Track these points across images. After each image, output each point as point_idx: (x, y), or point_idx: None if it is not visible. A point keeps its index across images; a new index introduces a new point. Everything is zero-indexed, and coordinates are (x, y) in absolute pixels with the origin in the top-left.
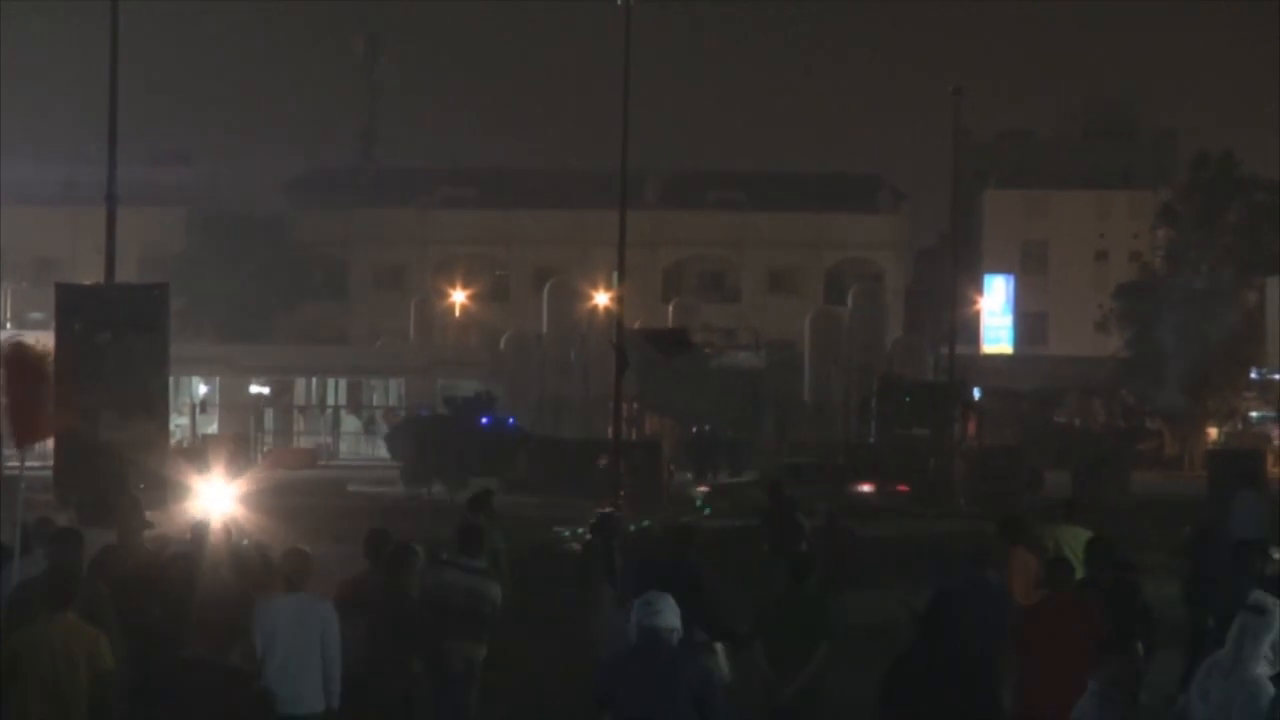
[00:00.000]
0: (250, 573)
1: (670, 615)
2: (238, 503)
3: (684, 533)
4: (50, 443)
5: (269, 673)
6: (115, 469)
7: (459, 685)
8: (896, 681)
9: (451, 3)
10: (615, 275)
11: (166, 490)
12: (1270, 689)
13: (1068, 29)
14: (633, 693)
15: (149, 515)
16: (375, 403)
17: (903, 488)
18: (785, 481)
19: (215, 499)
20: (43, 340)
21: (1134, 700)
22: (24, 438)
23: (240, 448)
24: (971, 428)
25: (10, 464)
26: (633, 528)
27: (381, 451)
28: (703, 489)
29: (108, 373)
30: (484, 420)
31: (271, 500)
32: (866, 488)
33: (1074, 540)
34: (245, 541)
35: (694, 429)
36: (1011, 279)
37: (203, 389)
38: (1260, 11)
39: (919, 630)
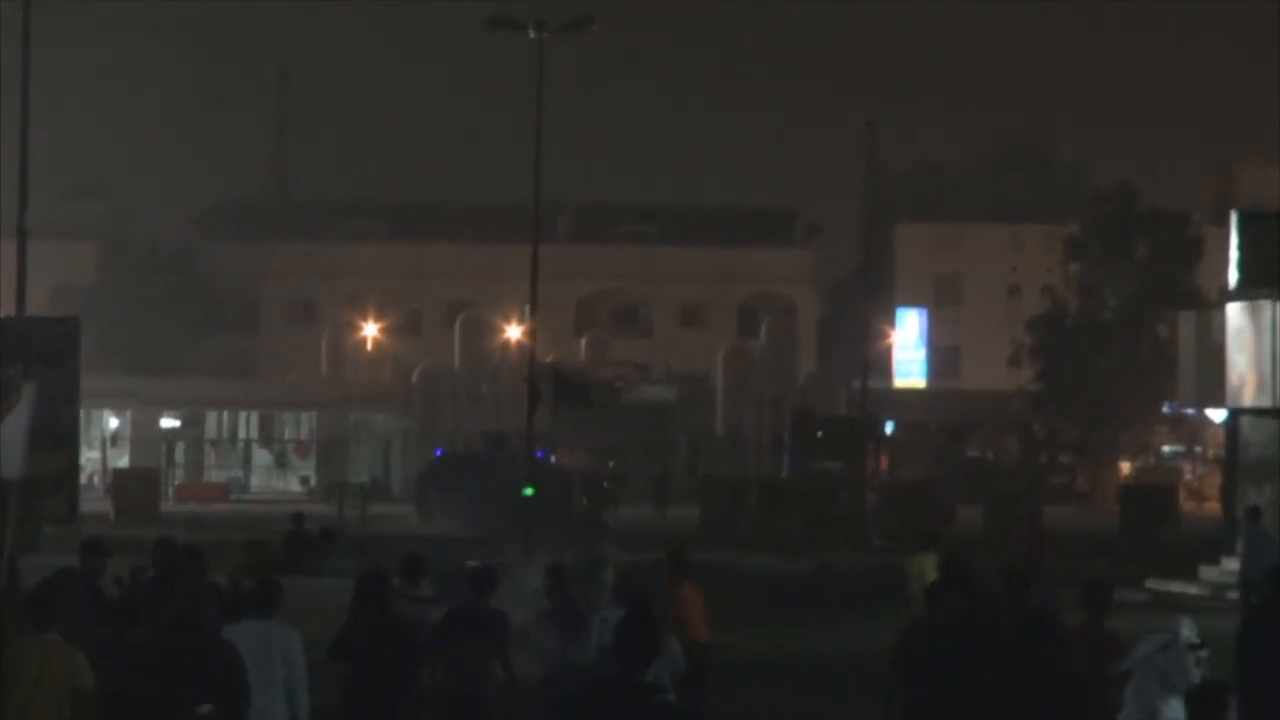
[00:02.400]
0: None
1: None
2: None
3: (482, 577)
4: None
5: None
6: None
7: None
8: (916, 634)
9: (362, 36)
10: (527, 309)
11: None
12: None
13: (979, 64)
14: None
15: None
16: (287, 436)
17: None
18: None
19: None
20: None
21: None
22: None
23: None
24: (884, 462)
25: None
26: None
27: (293, 485)
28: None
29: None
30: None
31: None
32: None
33: (930, 568)
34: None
35: (607, 465)
36: (924, 313)
37: (114, 422)
38: (1171, 46)
39: (940, 584)
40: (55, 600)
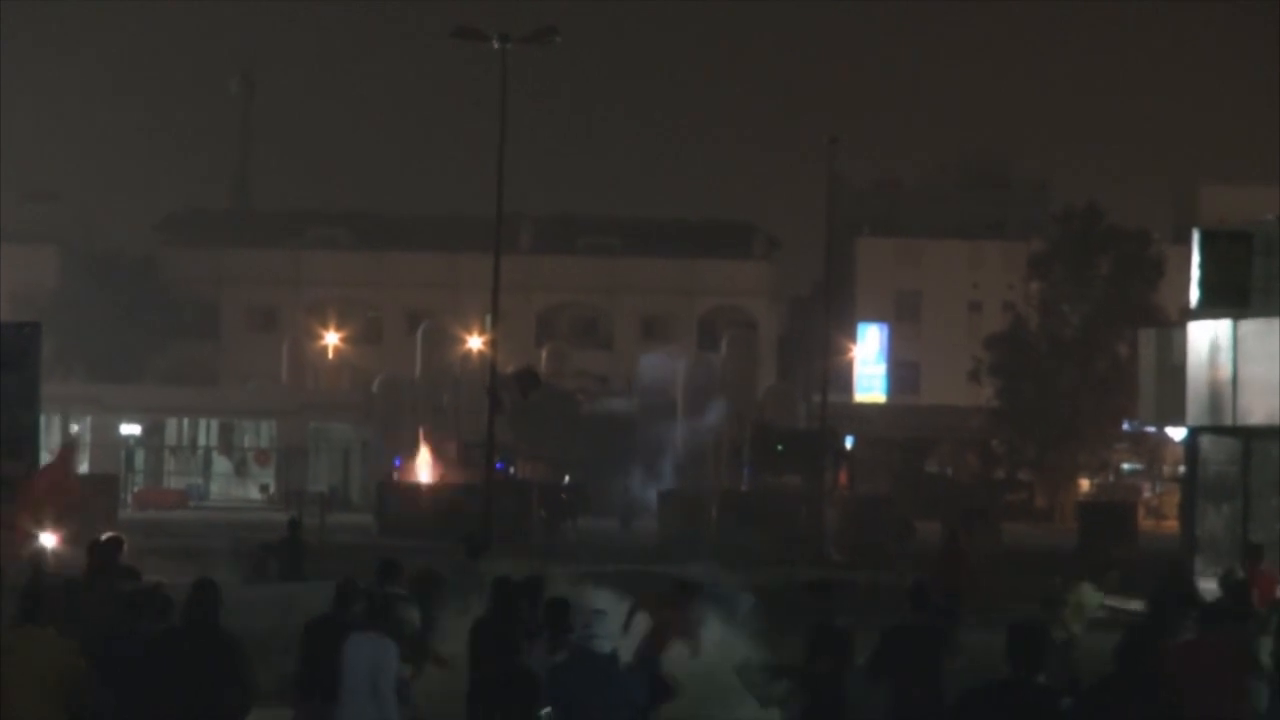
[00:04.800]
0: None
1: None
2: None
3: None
4: None
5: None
6: None
7: None
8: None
9: (326, 44)
10: (488, 319)
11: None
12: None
13: (940, 81)
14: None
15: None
16: (247, 444)
17: None
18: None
19: None
20: None
21: None
22: None
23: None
24: (843, 476)
25: None
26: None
27: (252, 493)
28: None
29: None
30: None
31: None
32: None
33: (1088, 596)
34: None
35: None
36: (885, 328)
37: (74, 428)
38: (1132, 66)
39: (1010, 662)
40: (44, 594)
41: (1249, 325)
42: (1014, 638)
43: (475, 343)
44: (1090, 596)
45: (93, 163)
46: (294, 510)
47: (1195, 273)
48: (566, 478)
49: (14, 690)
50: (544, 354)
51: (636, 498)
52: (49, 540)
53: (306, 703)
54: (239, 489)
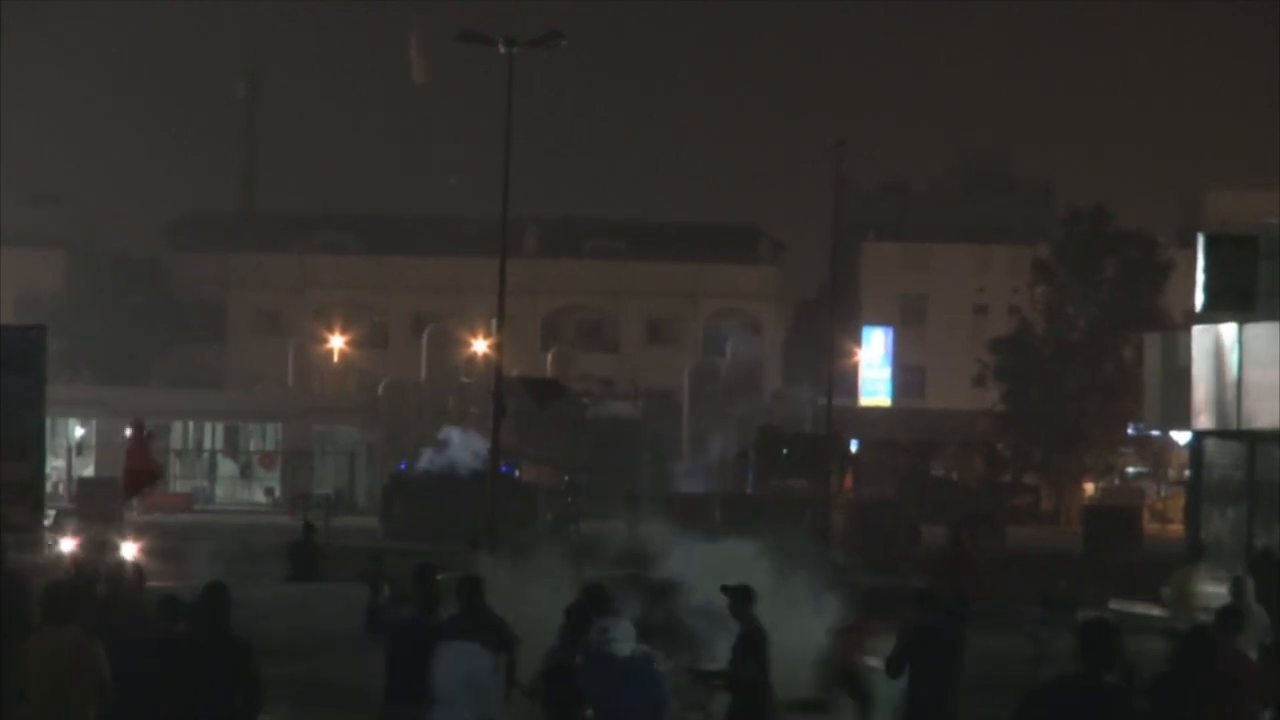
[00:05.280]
0: None
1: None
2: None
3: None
4: None
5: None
6: None
7: None
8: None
9: (331, 47)
10: (494, 323)
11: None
12: None
13: (945, 84)
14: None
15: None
16: (252, 447)
17: None
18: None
19: None
20: None
21: None
22: None
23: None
24: (849, 480)
25: None
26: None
27: (257, 496)
28: None
29: None
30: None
31: None
32: None
33: (1194, 579)
34: None
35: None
36: (890, 331)
37: (79, 431)
38: (1137, 69)
39: (1081, 660)
40: (69, 596)
41: (1254, 329)
42: (1086, 635)
43: (481, 346)
44: (1198, 584)
45: (98, 166)
46: (301, 513)
47: (1200, 277)
48: (566, 478)
49: (37, 690)
50: (549, 357)
51: (641, 501)
52: (129, 550)
53: (395, 706)
54: (244, 492)
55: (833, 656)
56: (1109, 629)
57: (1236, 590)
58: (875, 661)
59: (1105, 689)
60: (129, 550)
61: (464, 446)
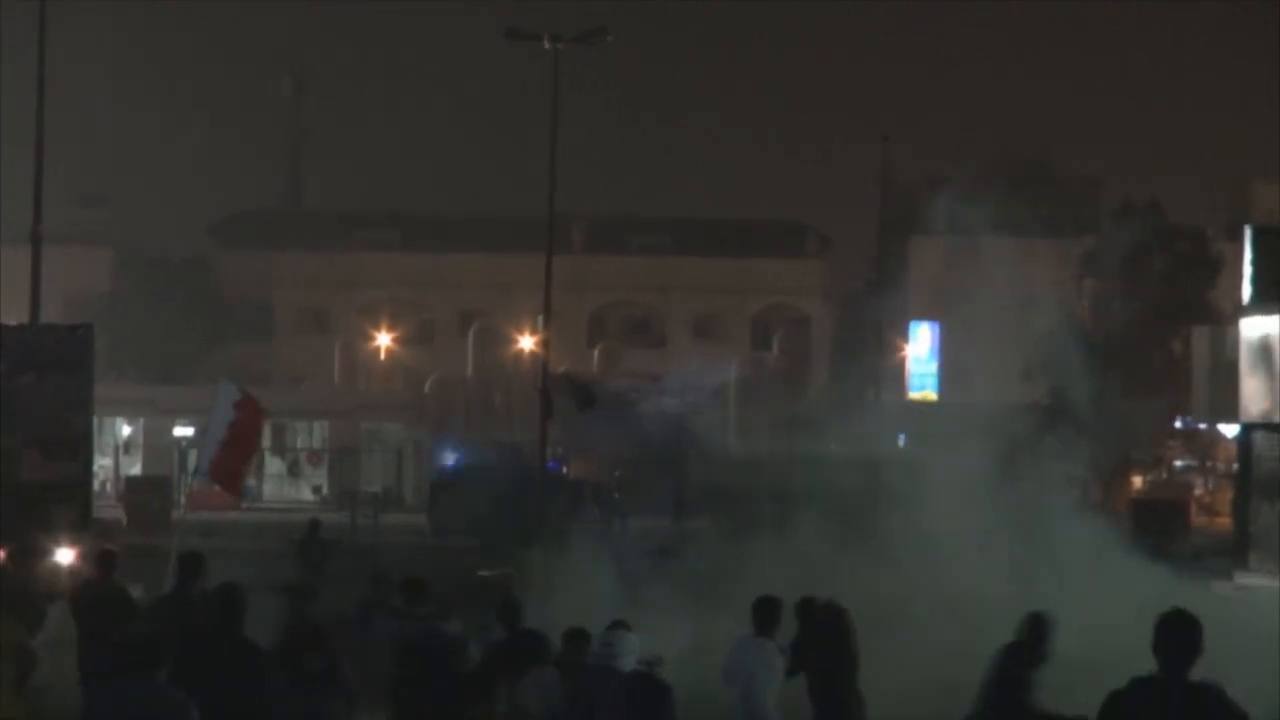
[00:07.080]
0: None
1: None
2: None
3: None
4: None
5: None
6: (37, 510)
7: None
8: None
9: (378, 46)
10: (540, 319)
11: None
12: None
13: (992, 79)
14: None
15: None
16: (299, 445)
17: None
18: None
19: None
20: None
21: None
22: None
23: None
24: None
25: None
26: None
27: (304, 494)
28: None
29: (31, 414)
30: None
31: None
32: None
33: None
34: None
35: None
36: (936, 326)
37: (126, 430)
38: (1183, 63)
39: (1163, 658)
40: None
41: None
42: (1165, 630)
43: (527, 343)
44: None
45: (144, 165)
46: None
47: (1247, 269)
48: (616, 472)
49: None
50: (596, 353)
51: (687, 497)
52: (64, 556)
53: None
54: (292, 490)
55: None
56: (1189, 623)
57: None
58: None
59: (1190, 690)
60: (65, 556)
61: (510, 449)
